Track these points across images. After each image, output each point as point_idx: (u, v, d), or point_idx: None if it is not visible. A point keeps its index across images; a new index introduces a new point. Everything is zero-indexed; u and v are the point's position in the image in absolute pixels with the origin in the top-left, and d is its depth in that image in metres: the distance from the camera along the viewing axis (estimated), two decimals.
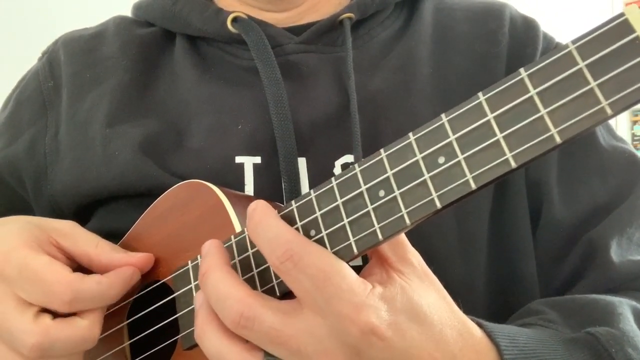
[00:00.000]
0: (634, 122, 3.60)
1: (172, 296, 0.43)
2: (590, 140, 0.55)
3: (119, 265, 0.44)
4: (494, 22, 0.57)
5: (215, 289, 0.34)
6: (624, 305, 0.44)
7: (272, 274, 0.36)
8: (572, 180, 0.54)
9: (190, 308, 0.41)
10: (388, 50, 0.56)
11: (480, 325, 0.37)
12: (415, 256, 0.36)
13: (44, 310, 0.41)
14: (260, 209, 0.34)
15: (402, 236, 0.36)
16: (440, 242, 0.50)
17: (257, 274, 0.37)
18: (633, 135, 3.60)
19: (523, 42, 0.56)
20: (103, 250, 0.45)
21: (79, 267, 0.45)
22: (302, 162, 0.50)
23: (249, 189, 0.50)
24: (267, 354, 0.33)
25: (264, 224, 0.34)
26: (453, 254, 0.50)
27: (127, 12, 0.64)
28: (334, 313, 0.31)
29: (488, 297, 0.52)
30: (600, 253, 0.50)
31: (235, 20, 0.55)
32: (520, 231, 0.53)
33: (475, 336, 0.36)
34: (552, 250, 0.53)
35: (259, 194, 0.50)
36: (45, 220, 0.47)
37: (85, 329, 0.41)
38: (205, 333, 0.35)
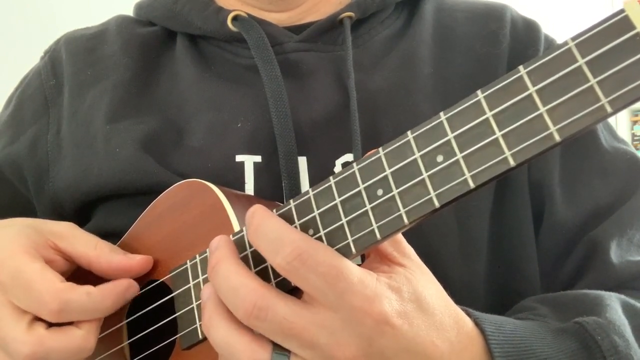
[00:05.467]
0: (634, 122, 3.60)
1: (170, 295, 0.43)
2: (592, 141, 0.55)
3: (118, 268, 0.44)
4: (495, 23, 0.57)
5: (227, 280, 0.34)
6: (612, 297, 0.44)
7: (271, 273, 0.36)
8: (574, 181, 0.54)
9: (189, 307, 0.41)
10: (388, 49, 0.56)
11: (468, 314, 0.38)
12: (412, 250, 0.37)
13: (40, 319, 0.41)
14: (259, 212, 0.34)
15: (399, 234, 0.36)
16: (440, 243, 0.50)
17: (255, 273, 0.37)
18: (633, 135, 3.60)
19: (524, 43, 0.56)
20: (102, 251, 0.44)
21: (80, 269, 0.45)
22: (302, 161, 0.50)
23: (249, 188, 0.50)
24: (275, 346, 0.33)
25: (265, 226, 0.33)
26: (453, 255, 0.50)
27: (129, 11, 0.64)
28: (346, 306, 0.32)
29: (488, 297, 0.52)
30: (600, 253, 0.50)
31: (235, 18, 0.55)
32: (521, 232, 0.53)
33: (468, 324, 0.37)
34: (554, 251, 0.53)
35: (259, 193, 0.50)
36: (43, 222, 0.47)
37: (80, 338, 0.41)
38: (213, 323, 0.34)
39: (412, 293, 0.34)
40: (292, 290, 0.35)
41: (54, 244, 0.44)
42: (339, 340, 0.32)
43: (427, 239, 0.49)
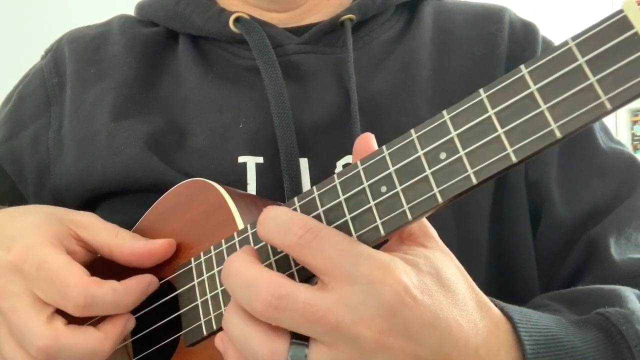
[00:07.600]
0: (634, 122, 3.60)
1: (175, 293, 0.43)
2: (590, 142, 0.55)
3: (141, 254, 0.44)
4: (494, 26, 0.58)
5: (239, 276, 0.33)
6: (627, 290, 0.44)
7: (275, 267, 0.36)
8: (573, 181, 0.54)
9: (193, 304, 0.41)
10: (389, 52, 0.57)
11: (492, 302, 0.37)
12: (435, 233, 0.36)
13: (60, 312, 0.40)
14: (270, 207, 0.34)
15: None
16: None
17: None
18: (633, 135, 3.60)
19: (522, 45, 0.57)
20: (123, 240, 0.44)
21: (101, 258, 0.45)
22: (303, 163, 0.51)
23: (252, 189, 0.50)
24: (293, 335, 0.32)
25: (274, 214, 0.33)
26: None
27: (126, 10, 0.65)
28: (363, 275, 0.31)
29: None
30: (601, 251, 0.50)
31: (237, 20, 0.56)
32: (520, 232, 0.54)
33: (492, 309, 0.36)
34: (553, 249, 0.53)
35: (261, 193, 0.50)
36: (64, 211, 0.46)
37: (97, 340, 0.40)
38: (230, 316, 0.34)
39: (430, 267, 0.33)
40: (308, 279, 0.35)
41: (76, 234, 0.44)
42: (362, 316, 0.31)
43: None
